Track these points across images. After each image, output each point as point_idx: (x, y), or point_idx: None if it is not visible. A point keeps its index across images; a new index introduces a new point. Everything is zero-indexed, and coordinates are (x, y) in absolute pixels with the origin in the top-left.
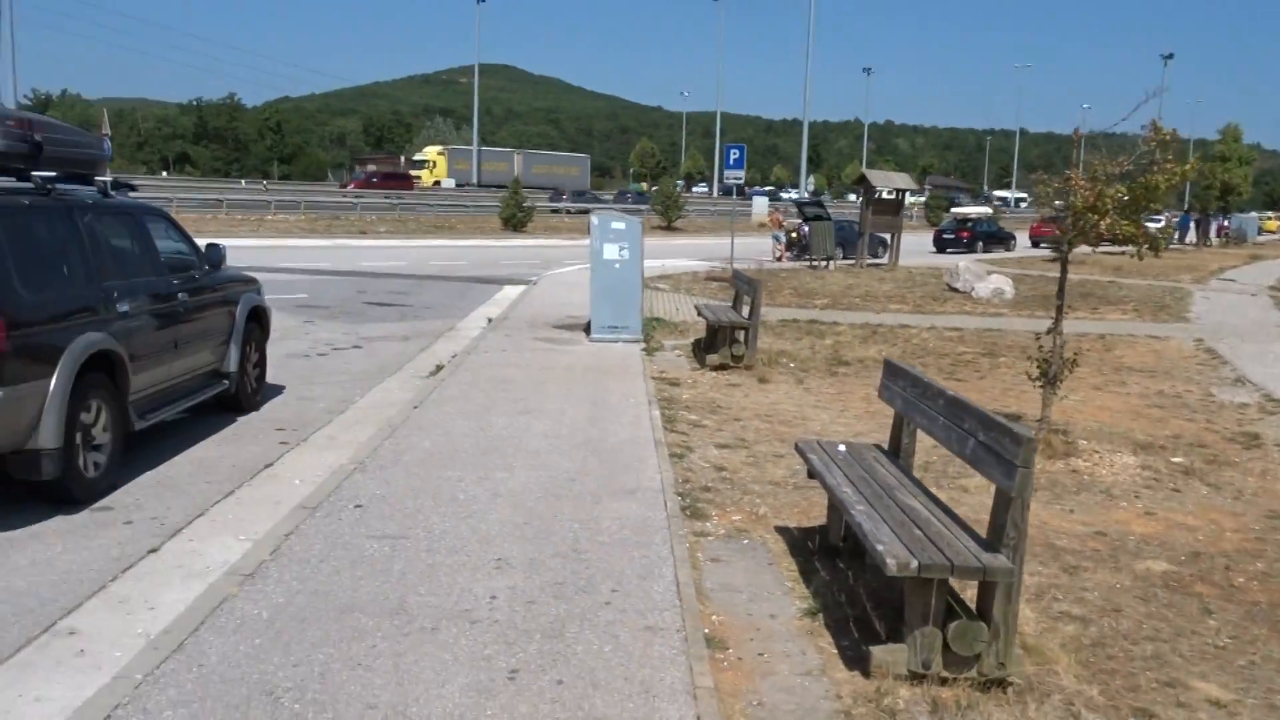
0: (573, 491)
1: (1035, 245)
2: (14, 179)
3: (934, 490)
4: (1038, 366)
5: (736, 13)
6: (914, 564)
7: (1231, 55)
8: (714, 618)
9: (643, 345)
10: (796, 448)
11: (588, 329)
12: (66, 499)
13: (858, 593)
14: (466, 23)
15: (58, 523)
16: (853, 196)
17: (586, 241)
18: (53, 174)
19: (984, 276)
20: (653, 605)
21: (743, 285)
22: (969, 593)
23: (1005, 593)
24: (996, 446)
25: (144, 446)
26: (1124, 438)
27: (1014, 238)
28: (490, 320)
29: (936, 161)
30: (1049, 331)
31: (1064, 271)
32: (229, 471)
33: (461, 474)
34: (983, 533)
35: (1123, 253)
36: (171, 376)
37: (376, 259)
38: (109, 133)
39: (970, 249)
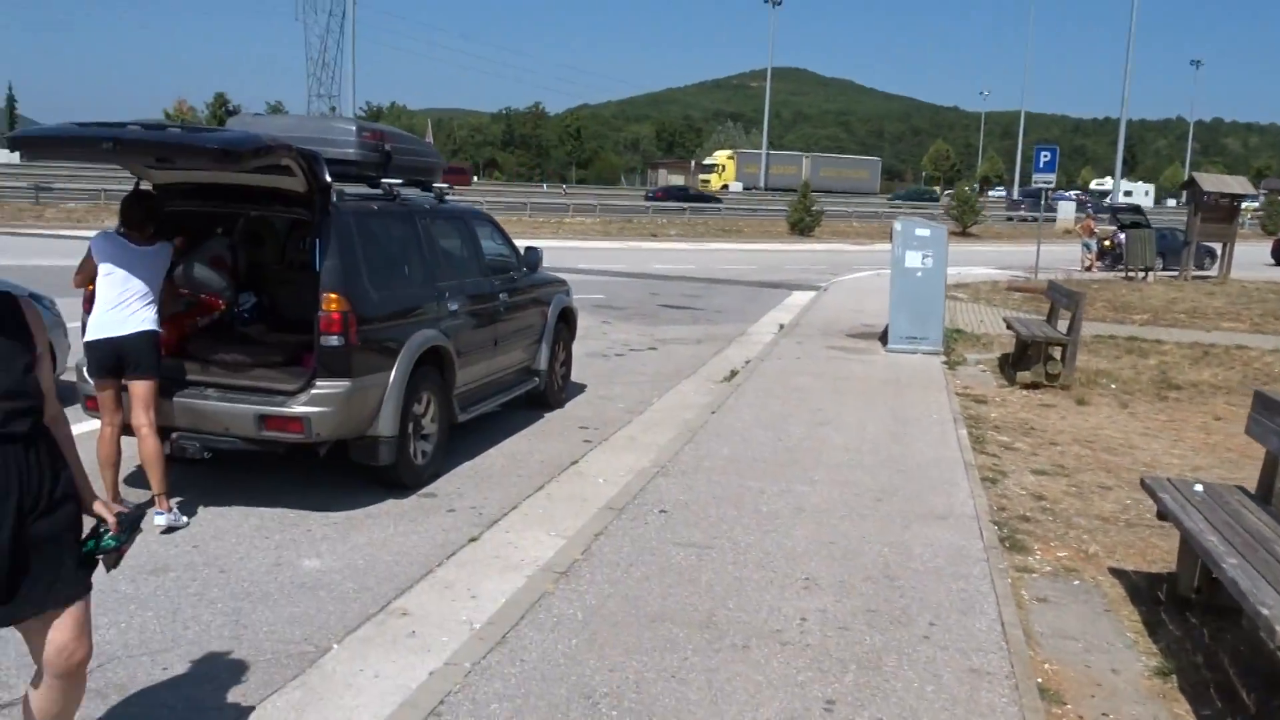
0: (879, 512)
1: None
2: (365, 186)
3: None
4: None
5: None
6: None
7: None
8: (1046, 666)
9: (943, 358)
10: (1144, 484)
11: (883, 338)
12: (397, 484)
13: (1217, 654)
14: (758, 27)
15: (389, 506)
16: (1172, 202)
17: (875, 246)
18: (398, 180)
19: None
20: (976, 645)
21: (1060, 297)
22: None
23: None
24: None
25: (462, 438)
26: None
27: None
28: (782, 326)
29: (1274, 163)
30: None
31: None
32: (538, 466)
33: (762, 485)
34: None
35: None
36: (490, 372)
37: (667, 262)
38: (431, 141)
39: None
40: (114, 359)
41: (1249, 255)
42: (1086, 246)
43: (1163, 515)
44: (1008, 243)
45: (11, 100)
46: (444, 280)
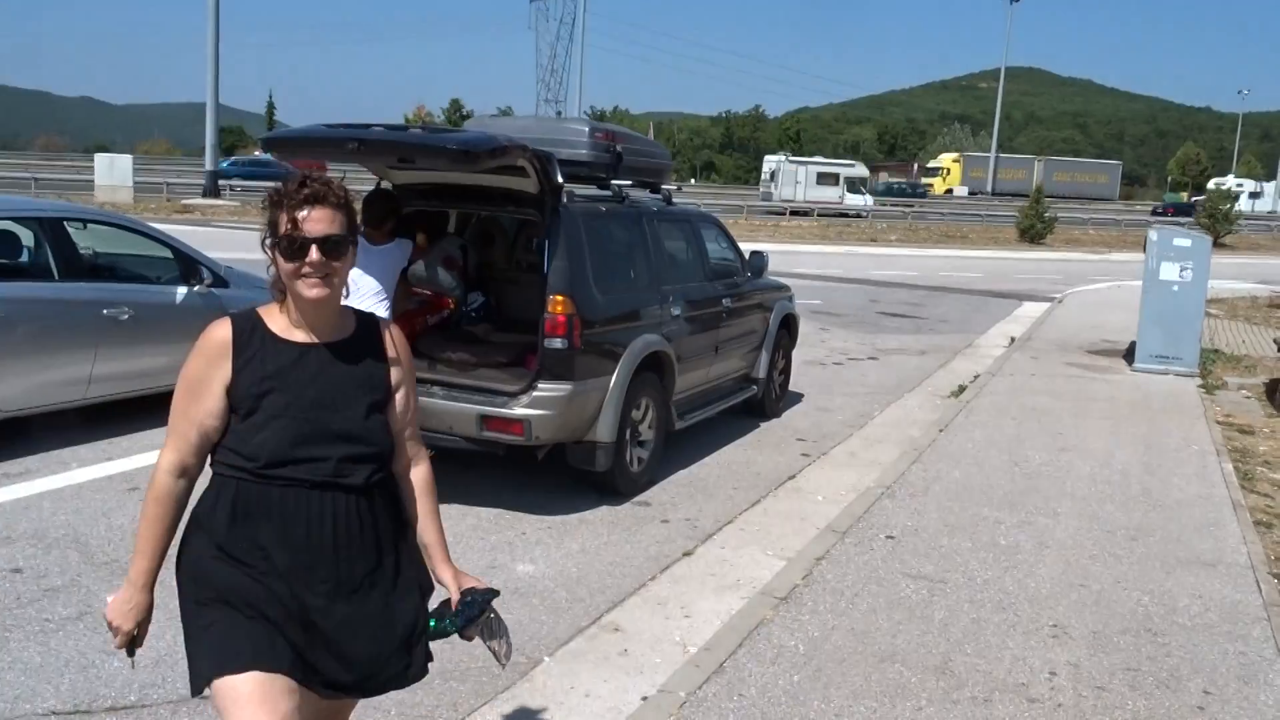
0: (1134, 553)
1: None
2: (595, 187)
3: None
4: None
5: None
6: None
7: None
8: None
9: (1199, 380)
10: None
11: (1128, 356)
12: (611, 490)
13: None
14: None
15: (603, 513)
16: None
17: (1113, 256)
18: (627, 182)
19: None
20: None
21: None
22: None
23: None
24: None
25: (676, 446)
26: None
27: None
28: (1013, 339)
29: None
30: None
31: None
32: (754, 479)
33: (999, 515)
34: None
35: None
36: (709, 379)
37: (887, 267)
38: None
39: None
40: None
41: None
42: None
43: None
44: (1267, 255)
45: (271, 107)
46: (668, 284)
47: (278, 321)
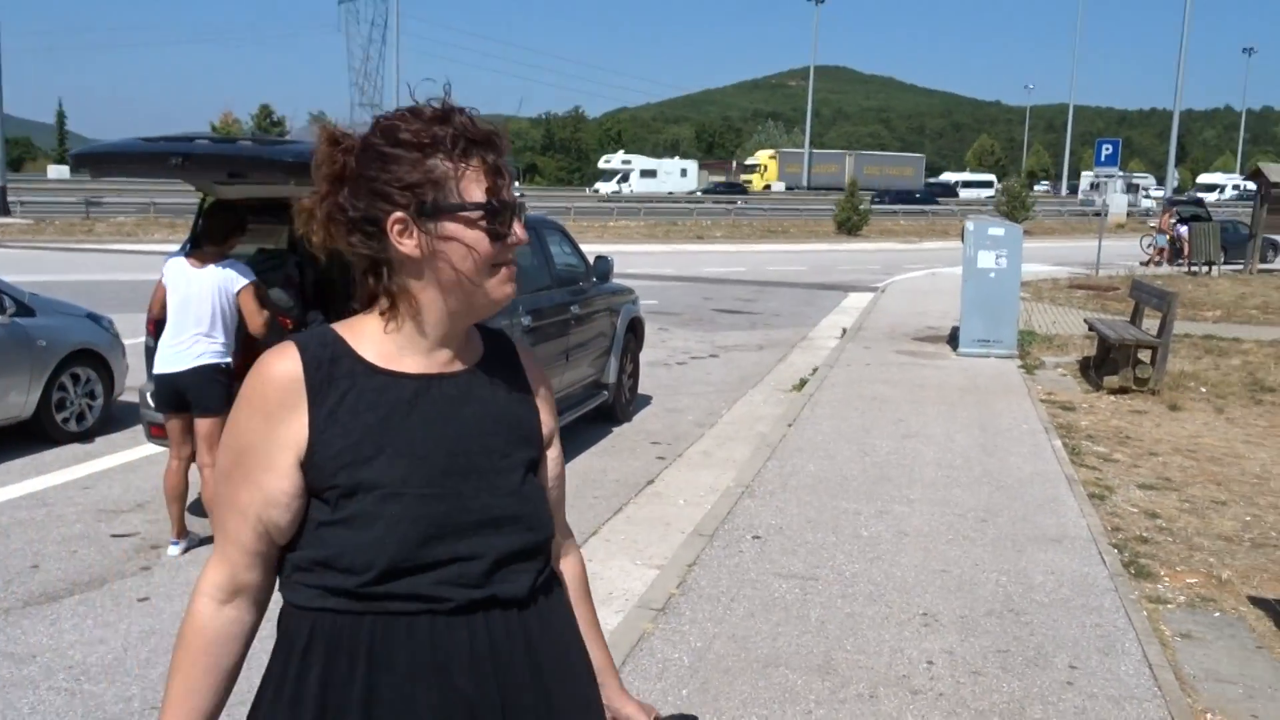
0: (986, 535)
1: None
2: None
3: None
4: None
5: None
6: None
7: None
8: (1209, 717)
9: (1018, 361)
10: None
11: (952, 341)
12: None
13: None
14: (797, 26)
15: None
16: (1212, 196)
17: (925, 245)
18: None
19: None
20: (1127, 693)
21: (1149, 297)
22: None
23: None
24: None
25: None
26: None
27: None
28: (844, 330)
29: None
30: None
31: None
32: (614, 487)
33: (857, 506)
34: None
35: None
36: (561, 388)
37: (716, 265)
38: None
39: None
40: (177, 395)
41: None
42: (1156, 241)
43: None
44: (1059, 239)
45: (62, 116)
46: (517, 293)
47: (372, 343)
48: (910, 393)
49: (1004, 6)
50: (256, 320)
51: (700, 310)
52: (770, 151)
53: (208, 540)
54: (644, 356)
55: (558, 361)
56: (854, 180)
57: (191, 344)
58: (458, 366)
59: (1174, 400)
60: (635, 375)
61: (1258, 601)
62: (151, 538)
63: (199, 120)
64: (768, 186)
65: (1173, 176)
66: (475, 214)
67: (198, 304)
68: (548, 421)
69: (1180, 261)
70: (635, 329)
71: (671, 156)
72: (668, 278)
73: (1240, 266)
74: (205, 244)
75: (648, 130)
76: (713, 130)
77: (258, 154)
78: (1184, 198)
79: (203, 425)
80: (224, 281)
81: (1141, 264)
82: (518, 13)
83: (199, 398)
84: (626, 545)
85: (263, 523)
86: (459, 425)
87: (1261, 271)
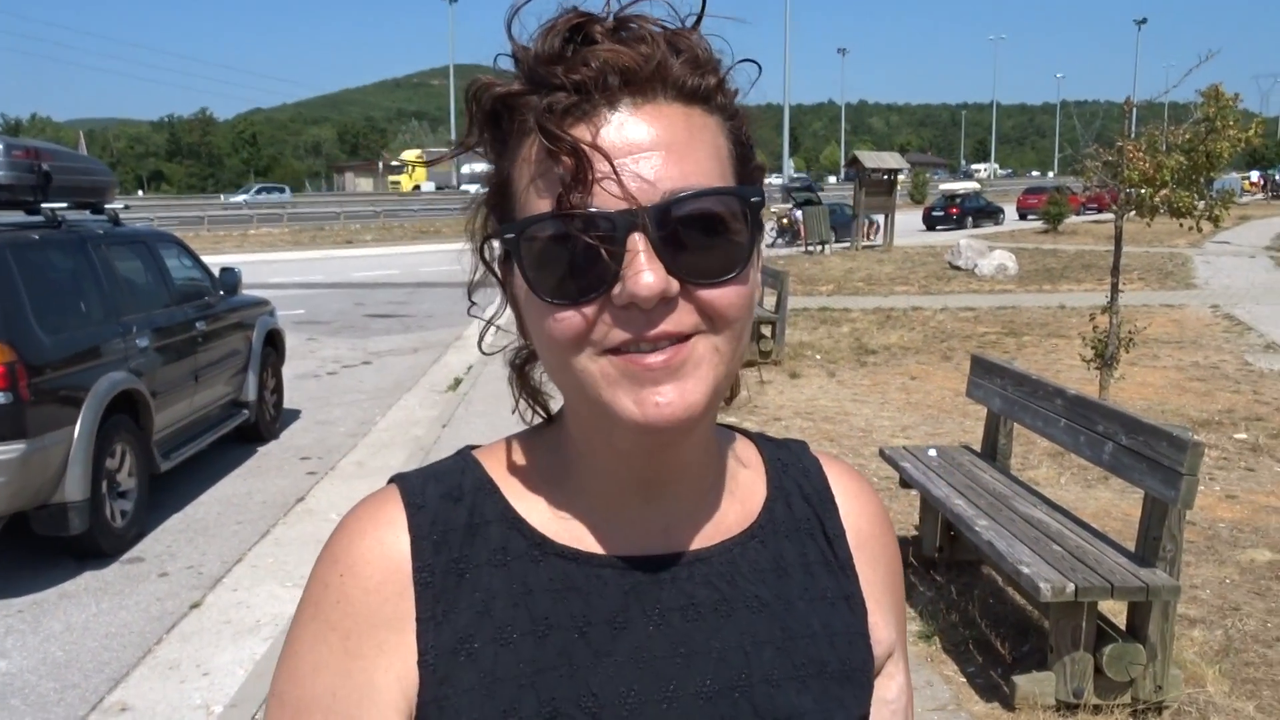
0: None
1: (1023, 218)
2: (23, 212)
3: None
4: (1092, 347)
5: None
6: (1070, 588)
7: (1202, 16)
8: None
9: None
10: (884, 456)
11: None
12: (94, 552)
13: (968, 609)
14: (435, 25)
15: (88, 579)
16: (832, 179)
17: None
18: (62, 204)
19: (986, 253)
20: None
21: (765, 277)
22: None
23: (1162, 611)
24: (1149, 452)
25: (168, 488)
26: (1178, 414)
27: (1002, 211)
28: (498, 326)
29: (913, 138)
30: (1105, 310)
31: (1118, 246)
32: (260, 509)
33: None
34: (1123, 543)
35: (1110, 221)
36: (193, 411)
37: (367, 269)
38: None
39: (960, 225)
40: None
41: (904, 223)
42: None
43: (905, 483)
44: None
45: None
46: (129, 314)
47: (542, 496)
48: None
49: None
50: None
51: (351, 316)
52: (417, 151)
53: None
54: (292, 368)
55: (187, 383)
56: None
57: None
58: (707, 538)
59: (794, 369)
60: (279, 390)
61: None
62: None
63: None
64: (417, 187)
65: (788, 165)
66: (510, 244)
67: None
68: (884, 630)
69: (798, 243)
70: (274, 341)
71: (312, 159)
72: (316, 285)
73: (848, 244)
74: None
75: (286, 132)
76: (356, 131)
77: None
78: (797, 184)
79: None
80: None
81: (766, 245)
82: (133, 9)
83: None
84: (275, 569)
85: None
86: (711, 666)
87: (866, 248)
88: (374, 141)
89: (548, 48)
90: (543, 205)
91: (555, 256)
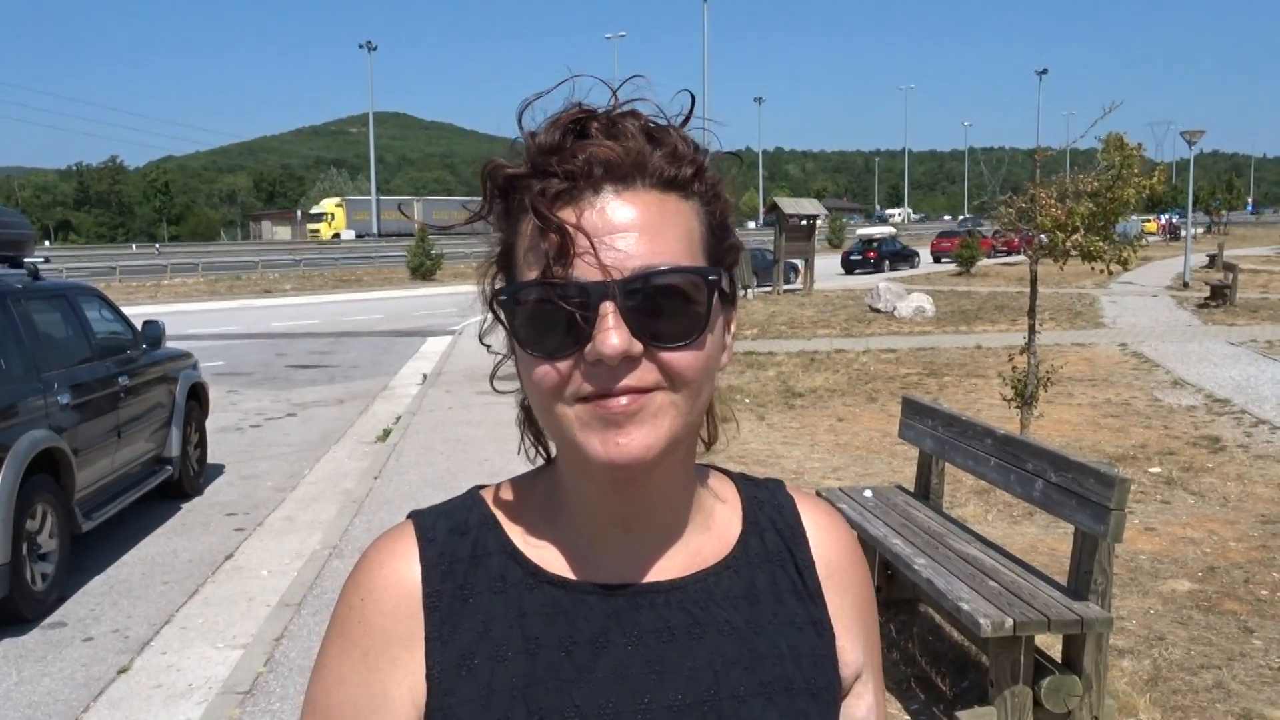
0: None
1: (937, 261)
2: None
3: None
4: (1012, 387)
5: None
6: (1009, 623)
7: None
8: None
9: None
10: (820, 498)
11: None
12: (14, 618)
13: (909, 649)
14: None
15: (8, 647)
16: (751, 225)
17: None
18: None
19: (904, 296)
20: None
21: None
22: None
23: (1096, 643)
24: (1078, 488)
25: (90, 548)
26: (1095, 450)
27: (918, 254)
28: (425, 376)
29: (829, 184)
30: (1023, 350)
31: (1034, 290)
32: (187, 568)
33: None
34: (1055, 577)
35: (1021, 263)
36: (115, 468)
37: (287, 318)
38: None
39: (878, 268)
40: None
41: (823, 267)
42: None
43: None
44: None
45: None
46: (49, 369)
47: (536, 526)
48: (492, 431)
49: (545, 53)
50: None
51: (273, 367)
52: (336, 200)
53: None
54: (214, 422)
55: (109, 440)
56: (424, 226)
57: None
58: (684, 568)
59: (724, 413)
60: (203, 444)
61: None
62: None
63: None
64: (337, 235)
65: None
66: (509, 297)
67: None
68: (851, 654)
69: None
70: (198, 395)
71: (227, 208)
72: (235, 336)
73: (769, 289)
74: None
75: (200, 180)
76: (272, 179)
77: None
78: None
79: None
80: None
81: None
82: (40, 56)
83: None
84: (206, 630)
85: None
86: (683, 682)
87: (787, 292)
88: (291, 189)
89: (549, 139)
90: (533, 273)
91: (540, 317)
